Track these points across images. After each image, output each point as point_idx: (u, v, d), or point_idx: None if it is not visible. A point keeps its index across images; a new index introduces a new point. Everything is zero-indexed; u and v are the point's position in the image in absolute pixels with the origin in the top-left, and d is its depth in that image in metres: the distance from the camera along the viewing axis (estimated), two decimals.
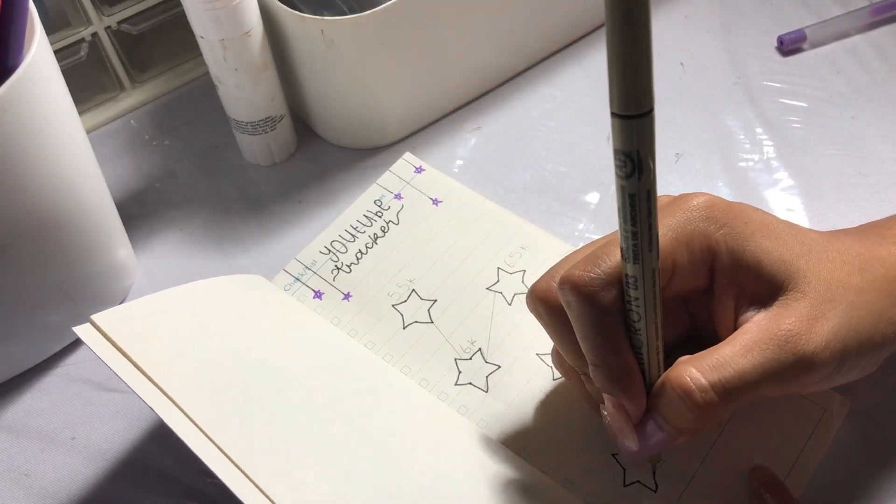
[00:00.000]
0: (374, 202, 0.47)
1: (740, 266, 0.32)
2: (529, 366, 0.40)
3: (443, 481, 0.35)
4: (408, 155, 0.49)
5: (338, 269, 0.45)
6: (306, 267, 0.45)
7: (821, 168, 0.49)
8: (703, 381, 0.30)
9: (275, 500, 0.31)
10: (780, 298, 0.32)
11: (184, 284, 0.40)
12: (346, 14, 0.46)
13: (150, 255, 0.49)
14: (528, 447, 0.38)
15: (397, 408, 0.39)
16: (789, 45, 0.54)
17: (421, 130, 0.53)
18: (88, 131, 0.52)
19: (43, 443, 0.42)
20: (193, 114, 0.55)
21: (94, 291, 0.44)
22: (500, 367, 0.41)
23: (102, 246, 0.44)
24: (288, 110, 0.51)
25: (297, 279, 0.44)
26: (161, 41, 0.55)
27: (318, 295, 0.44)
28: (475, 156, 0.51)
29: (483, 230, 0.45)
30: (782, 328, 0.31)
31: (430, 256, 0.45)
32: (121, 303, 0.46)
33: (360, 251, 0.45)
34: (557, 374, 0.40)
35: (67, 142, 0.39)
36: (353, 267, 0.45)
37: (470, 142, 0.52)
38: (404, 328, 0.42)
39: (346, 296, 0.44)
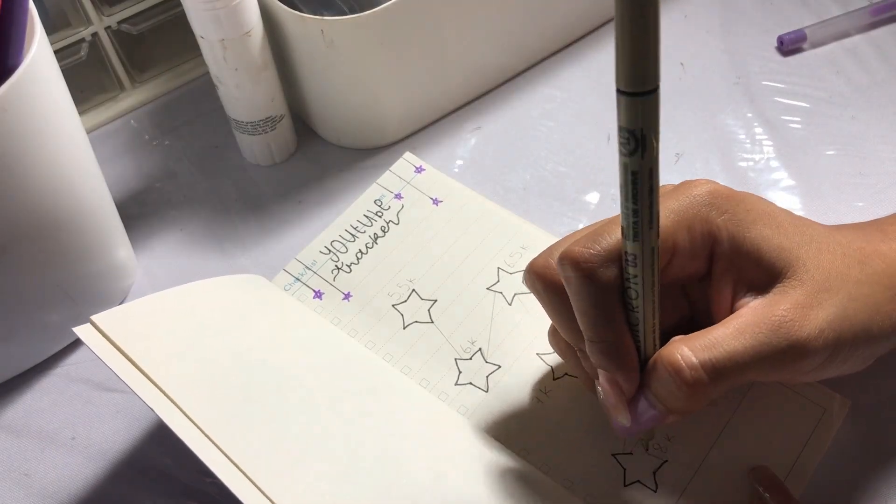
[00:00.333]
0: (375, 202, 0.47)
1: (740, 252, 0.32)
2: (529, 366, 0.40)
3: (443, 481, 0.35)
4: (408, 155, 0.49)
5: (338, 268, 0.45)
6: (306, 267, 0.45)
7: (821, 168, 0.49)
8: (694, 359, 0.30)
9: (274, 500, 0.31)
10: (778, 285, 0.32)
11: (184, 284, 0.40)
12: (346, 14, 0.46)
13: (150, 255, 0.49)
14: (529, 447, 0.38)
15: (397, 408, 0.39)
16: (789, 45, 0.54)
17: (421, 130, 0.53)
18: (88, 131, 0.52)
19: (43, 443, 0.42)
20: (193, 114, 0.55)
21: (94, 291, 0.44)
22: (500, 366, 0.41)
23: (102, 246, 0.44)
24: (288, 110, 0.51)
25: (298, 279, 0.44)
26: (161, 41, 0.55)
27: (318, 295, 0.44)
28: (475, 156, 0.51)
29: (483, 230, 0.45)
30: (777, 313, 0.31)
31: (430, 256, 0.45)
32: (121, 303, 0.46)
33: (360, 251, 0.45)
34: (558, 374, 0.40)
35: (67, 142, 0.39)
36: (353, 267, 0.45)
37: (470, 142, 0.52)
38: (404, 328, 0.42)
39: (347, 296, 0.44)
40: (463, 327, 0.42)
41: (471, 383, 0.40)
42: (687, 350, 0.31)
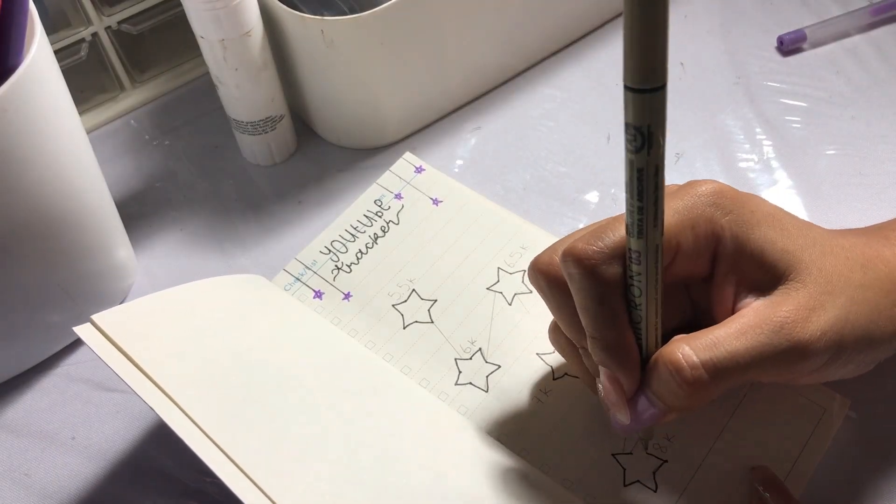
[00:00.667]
0: (375, 202, 0.47)
1: (743, 253, 0.33)
2: (529, 366, 0.40)
3: (443, 481, 0.35)
4: (408, 155, 0.49)
5: (338, 268, 0.45)
6: (306, 267, 0.45)
7: (821, 168, 0.49)
8: (695, 358, 0.30)
9: (275, 499, 0.31)
10: (780, 287, 0.32)
11: (184, 284, 0.40)
12: (346, 14, 0.46)
13: (150, 255, 0.49)
14: (528, 447, 0.38)
15: (397, 408, 0.39)
16: (789, 45, 0.54)
17: (421, 130, 0.53)
18: (88, 131, 0.52)
19: (43, 443, 0.42)
20: (193, 114, 0.55)
21: (94, 291, 0.44)
22: (500, 366, 0.41)
23: (102, 246, 0.44)
24: (288, 110, 0.51)
25: (298, 279, 0.44)
26: (161, 41, 0.55)
27: (318, 295, 0.44)
28: (475, 156, 0.51)
29: (483, 230, 0.45)
30: (779, 314, 0.31)
31: (430, 256, 0.45)
32: (121, 303, 0.46)
33: (360, 251, 0.45)
34: (558, 374, 0.40)
35: (67, 142, 0.39)
36: (353, 267, 0.45)
37: (470, 142, 0.52)
38: (404, 328, 0.42)
39: (347, 296, 0.44)
40: (463, 327, 0.42)
41: (471, 383, 0.40)
42: (688, 349, 0.31)
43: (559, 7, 0.54)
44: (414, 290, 0.44)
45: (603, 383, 0.33)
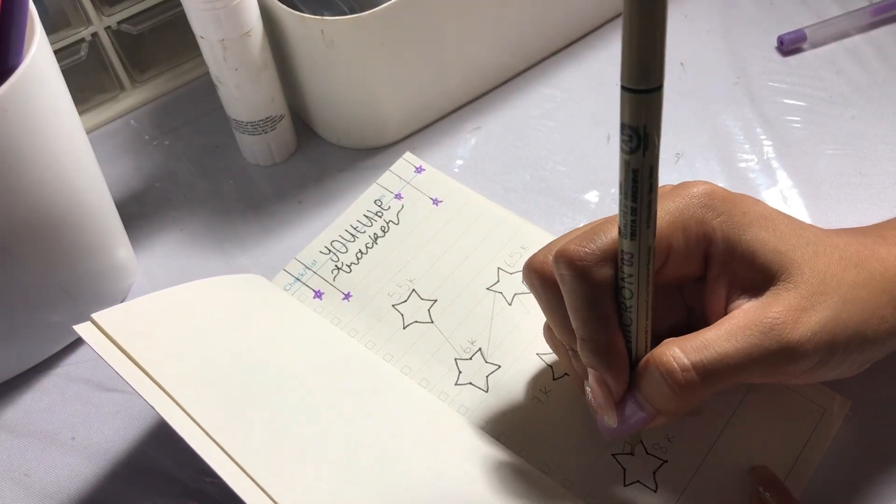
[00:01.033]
0: (375, 202, 0.47)
1: (735, 254, 0.32)
2: (529, 366, 0.40)
3: (443, 481, 0.35)
4: (408, 155, 0.49)
5: (338, 268, 0.45)
6: (306, 267, 0.45)
7: (821, 168, 0.49)
8: (686, 360, 0.30)
9: (275, 498, 0.31)
10: (772, 288, 0.32)
11: (184, 284, 0.40)
12: (346, 14, 0.46)
13: (150, 255, 0.49)
14: (528, 447, 0.38)
15: (397, 408, 0.39)
16: (789, 45, 0.54)
17: (421, 130, 0.53)
18: (88, 131, 0.52)
19: (43, 443, 0.42)
20: (193, 114, 0.55)
21: (94, 291, 0.44)
22: (500, 366, 0.41)
23: (102, 246, 0.44)
24: (288, 110, 0.51)
25: (298, 279, 0.44)
26: (161, 41, 0.55)
27: (318, 295, 0.44)
28: (475, 156, 0.51)
29: (483, 230, 0.45)
30: (769, 316, 0.31)
31: (430, 256, 0.45)
32: (121, 302, 0.46)
33: (360, 251, 0.45)
34: (557, 374, 0.40)
35: (67, 142, 0.39)
36: (353, 267, 0.45)
37: (470, 142, 0.52)
38: (404, 328, 0.42)
39: (347, 296, 0.44)
40: (463, 327, 0.42)
41: (471, 383, 0.40)
42: (679, 351, 0.31)
43: (559, 7, 0.54)
44: (414, 290, 0.44)
45: (591, 385, 0.33)
